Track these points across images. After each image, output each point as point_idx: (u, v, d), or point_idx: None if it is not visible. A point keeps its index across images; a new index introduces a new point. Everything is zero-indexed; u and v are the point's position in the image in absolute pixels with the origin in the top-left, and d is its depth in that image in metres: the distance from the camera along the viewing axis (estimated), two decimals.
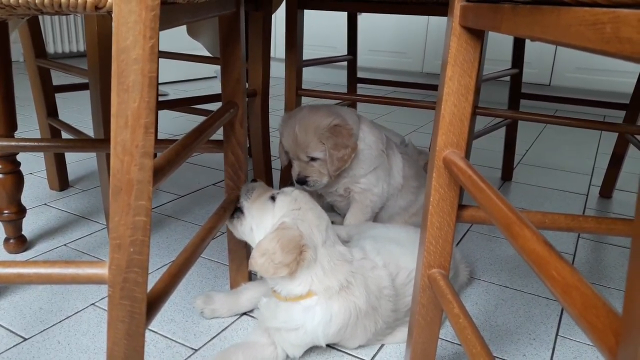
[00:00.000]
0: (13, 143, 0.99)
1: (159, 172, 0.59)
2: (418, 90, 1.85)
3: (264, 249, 0.82)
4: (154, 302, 0.62)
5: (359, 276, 0.87)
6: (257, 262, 0.82)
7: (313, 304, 0.84)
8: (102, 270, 0.55)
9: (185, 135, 0.72)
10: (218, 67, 2.99)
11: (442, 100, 0.67)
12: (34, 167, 1.72)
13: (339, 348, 0.93)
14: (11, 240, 1.18)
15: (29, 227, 1.29)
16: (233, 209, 0.95)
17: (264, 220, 0.90)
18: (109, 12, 0.51)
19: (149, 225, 0.54)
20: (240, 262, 1.06)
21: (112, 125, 0.49)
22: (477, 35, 0.65)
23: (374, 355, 0.92)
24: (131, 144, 0.50)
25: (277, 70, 2.95)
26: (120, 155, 0.50)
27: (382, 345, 0.94)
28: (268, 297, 0.90)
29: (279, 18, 2.33)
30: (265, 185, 0.98)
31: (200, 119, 0.82)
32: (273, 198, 0.92)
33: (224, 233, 1.20)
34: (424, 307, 0.76)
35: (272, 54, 1.60)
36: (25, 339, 0.91)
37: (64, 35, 3.72)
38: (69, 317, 0.97)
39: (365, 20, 3.21)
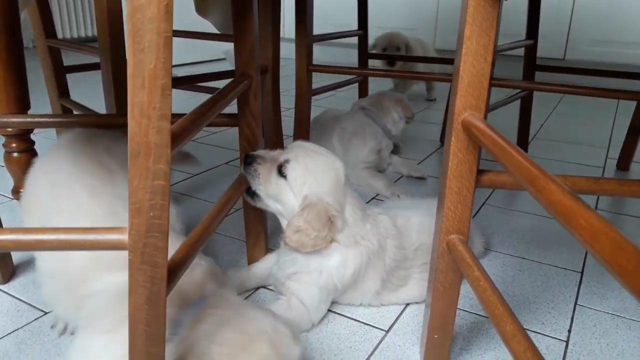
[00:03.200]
0: (28, 119, 0.99)
1: (176, 139, 0.58)
2: (430, 64, 1.82)
3: (297, 226, 0.85)
4: (174, 270, 0.62)
5: (374, 222, 0.93)
6: (292, 239, 0.85)
7: (331, 251, 0.89)
8: (122, 236, 0.55)
9: (200, 105, 0.71)
10: (226, 49, 2.96)
11: (460, 61, 0.65)
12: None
13: (357, 318, 0.93)
14: None
15: None
16: (247, 188, 0.95)
17: (285, 197, 0.90)
18: None
19: (168, 189, 0.53)
20: (257, 238, 1.06)
21: (129, 87, 0.49)
22: None
23: (392, 324, 0.92)
24: (148, 106, 0.49)
25: (286, 51, 2.92)
26: (137, 118, 0.50)
27: (400, 314, 0.94)
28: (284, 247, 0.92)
29: None
30: (263, 156, 0.93)
31: None
32: (281, 172, 0.90)
33: (240, 209, 1.20)
34: (442, 273, 0.75)
35: (280, 34, 1.58)
36: (45, 313, 0.92)
37: (72, 20, 3.72)
38: None
39: None
